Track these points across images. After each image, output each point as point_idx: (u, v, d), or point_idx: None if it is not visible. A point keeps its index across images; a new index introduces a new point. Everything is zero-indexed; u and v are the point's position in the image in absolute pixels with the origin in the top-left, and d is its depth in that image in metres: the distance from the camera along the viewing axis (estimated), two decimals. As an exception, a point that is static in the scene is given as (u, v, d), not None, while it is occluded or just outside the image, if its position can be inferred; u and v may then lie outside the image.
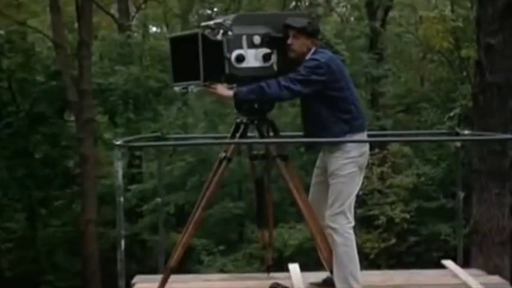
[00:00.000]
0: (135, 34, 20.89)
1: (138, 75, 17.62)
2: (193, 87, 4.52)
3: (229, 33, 4.41)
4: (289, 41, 4.52)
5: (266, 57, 4.48)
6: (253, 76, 4.45)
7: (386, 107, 18.89)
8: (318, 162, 4.79)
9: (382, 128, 15.98)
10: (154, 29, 24.21)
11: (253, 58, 4.44)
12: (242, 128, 4.65)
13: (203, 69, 4.31)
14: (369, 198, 14.94)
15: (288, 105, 14.81)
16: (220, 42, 4.39)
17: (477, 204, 8.06)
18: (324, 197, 4.63)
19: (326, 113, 4.51)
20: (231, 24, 4.42)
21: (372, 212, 14.89)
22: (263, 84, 4.40)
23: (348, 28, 19.34)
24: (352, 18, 21.28)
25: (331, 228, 4.53)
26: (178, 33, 5.42)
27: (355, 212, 4.66)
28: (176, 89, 4.72)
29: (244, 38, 4.42)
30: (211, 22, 4.53)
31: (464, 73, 16.66)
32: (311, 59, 4.50)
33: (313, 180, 4.81)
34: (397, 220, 14.73)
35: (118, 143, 4.53)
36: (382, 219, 14.73)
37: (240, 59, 4.40)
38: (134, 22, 21.12)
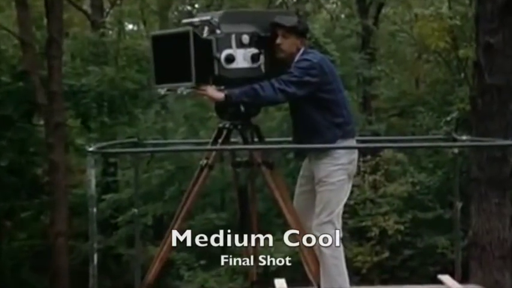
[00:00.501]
0: (110, 32, 20.81)
1: (113, 76, 17.56)
2: (183, 89, 4.50)
3: (218, 31, 4.39)
4: (278, 41, 4.53)
5: (255, 58, 4.49)
6: (243, 77, 4.45)
7: (379, 111, 18.97)
8: (302, 171, 4.81)
9: (375, 133, 16.04)
10: (130, 26, 24.17)
11: (242, 58, 4.44)
12: (225, 133, 4.65)
13: (195, 70, 4.30)
14: (360, 208, 14.96)
15: (274, 109, 14.84)
16: (209, 42, 4.36)
17: (476, 215, 8.11)
18: (310, 207, 4.65)
19: (318, 117, 4.54)
20: (219, 22, 4.39)
21: (363, 223, 14.90)
22: (257, 86, 4.39)
23: (338, 26, 19.41)
24: (342, 16, 21.38)
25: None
26: (164, 31, 5.37)
27: (345, 223, 4.69)
28: (160, 91, 4.70)
29: (233, 37, 4.41)
30: (197, 19, 4.49)
31: (462, 74, 16.80)
32: (303, 60, 4.52)
33: (298, 190, 4.82)
34: (390, 232, 14.76)
35: (91, 149, 4.53)
36: (375, 231, 14.75)
37: (230, 59, 4.39)
38: (109, 19, 21.05)
